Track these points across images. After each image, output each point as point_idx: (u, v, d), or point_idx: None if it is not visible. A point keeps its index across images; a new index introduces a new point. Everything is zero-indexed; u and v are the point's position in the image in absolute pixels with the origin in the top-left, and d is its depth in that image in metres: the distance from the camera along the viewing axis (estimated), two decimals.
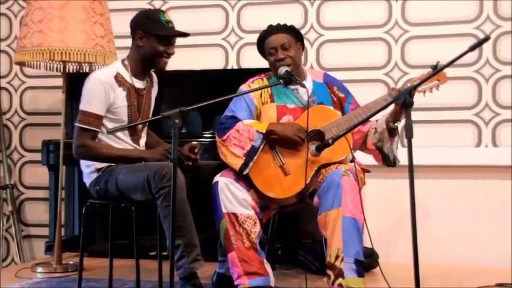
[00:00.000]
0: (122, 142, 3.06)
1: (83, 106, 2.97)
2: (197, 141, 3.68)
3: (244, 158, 2.90)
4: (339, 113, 3.06)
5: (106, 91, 2.96)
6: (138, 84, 3.12)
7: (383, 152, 3.00)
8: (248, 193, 2.90)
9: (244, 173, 2.90)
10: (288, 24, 3.10)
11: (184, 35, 3.10)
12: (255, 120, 3.06)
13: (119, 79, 3.03)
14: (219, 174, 2.94)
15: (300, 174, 2.85)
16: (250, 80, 3.17)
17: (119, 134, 3.04)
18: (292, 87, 3.07)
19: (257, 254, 2.90)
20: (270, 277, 2.91)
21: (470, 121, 4.11)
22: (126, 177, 2.91)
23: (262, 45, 3.12)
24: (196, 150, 2.98)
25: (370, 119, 2.70)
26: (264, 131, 2.91)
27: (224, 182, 2.89)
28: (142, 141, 3.19)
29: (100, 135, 3.01)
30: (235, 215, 2.87)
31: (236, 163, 2.92)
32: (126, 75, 3.07)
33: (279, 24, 3.10)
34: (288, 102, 3.05)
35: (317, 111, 3.00)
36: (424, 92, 2.86)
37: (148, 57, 3.06)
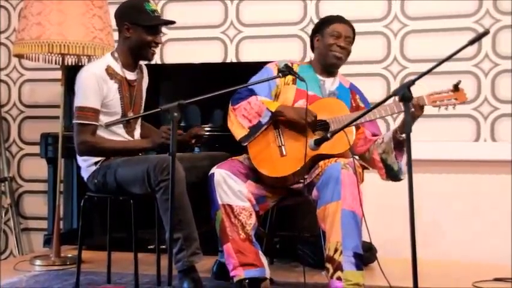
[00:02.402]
0: (117, 135, 3.05)
1: (79, 102, 2.95)
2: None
3: (249, 130, 2.95)
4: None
5: (99, 84, 2.95)
6: (130, 75, 3.11)
7: (386, 164, 2.99)
8: (244, 185, 2.91)
9: (244, 144, 2.97)
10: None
11: (170, 22, 3.16)
12: (272, 98, 3.09)
13: (110, 72, 3.02)
14: (216, 166, 2.95)
15: (296, 158, 2.87)
16: (278, 60, 3.18)
17: (113, 127, 3.03)
18: (320, 77, 3.11)
19: (252, 245, 2.91)
20: (265, 269, 2.92)
21: (469, 115, 4.11)
22: (125, 170, 2.91)
23: (323, 25, 3.15)
24: (202, 133, 3.02)
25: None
26: (273, 110, 2.94)
27: (220, 174, 2.90)
28: (137, 132, 3.18)
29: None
30: (230, 206, 2.88)
31: (239, 133, 2.98)
32: (117, 68, 3.05)
33: (349, 21, 3.16)
34: (309, 89, 3.05)
35: (329, 102, 3.03)
36: (439, 107, 2.85)
37: (137, 48, 3.05)
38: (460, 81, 2.73)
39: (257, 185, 2.95)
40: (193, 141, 3.00)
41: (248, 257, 2.89)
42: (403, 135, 2.89)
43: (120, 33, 3.08)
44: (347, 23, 3.14)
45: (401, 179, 3.04)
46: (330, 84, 3.14)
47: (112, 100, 3.01)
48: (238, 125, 2.99)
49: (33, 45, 3.64)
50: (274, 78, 2.97)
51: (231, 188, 2.89)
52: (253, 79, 3.10)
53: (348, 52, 3.11)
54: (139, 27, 3.01)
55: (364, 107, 3.16)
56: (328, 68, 3.13)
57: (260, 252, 2.94)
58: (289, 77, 3.06)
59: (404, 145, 2.94)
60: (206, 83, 4.07)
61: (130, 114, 3.09)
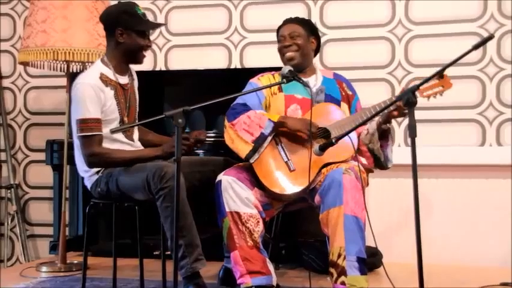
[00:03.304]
0: (117, 140, 3.04)
1: (80, 114, 2.93)
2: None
3: (253, 144, 2.91)
4: (345, 110, 3.07)
5: (97, 93, 2.94)
6: (122, 80, 3.11)
7: (374, 154, 3.02)
8: (251, 192, 2.90)
9: (251, 160, 2.91)
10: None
11: (161, 25, 3.31)
12: (262, 109, 3.09)
13: (104, 79, 3.01)
14: (222, 173, 2.94)
15: (305, 171, 2.86)
16: (260, 74, 3.22)
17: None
18: (302, 79, 3.09)
19: (260, 253, 2.90)
20: (272, 276, 2.91)
21: (474, 120, 4.10)
22: (126, 178, 2.91)
23: (277, 35, 3.22)
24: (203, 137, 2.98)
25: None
26: (275, 121, 2.93)
27: (227, 181, 2.89)
28: (135, 136, 3.17)
29: None
30: (238, 213, 2.87)
31: (243, 149, 2.93)
32: (110, 74, 3.05)
33: (294, 17, 3.22)
34: (296, 93, 3.06)
35: (322, 109, 3.01)
36: (429, 97, 2.86)
37: (130, 53, 3.06)
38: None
39: (263, 193, 2.94)
40: (197, 145, 2.98)
41: (255, 264, 2.88)
42: (387, 124, 2.92)
43: (111, 39, 3.07)
44: (290, 21, 3.17)
45: (388, 168, 3.06)
46: (314, 82, 3.13)
47: (110, 107, 3.00)
48: (239, 140, 2.96)
49: (38, 52, 3.66)
50: (279, 83, 2.97)
51: (238, 195, 2.88)
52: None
53: (298, 46, 3.10)
54: (133, 32, 3.01)
55: (352, 94, 3.18)
56: (296, 69, 3.06)
57: (267, 259, 2.94)
58: (275, 87, 3.09)
59: (388, 135, 2.98)
60: (211, 89, 4.08)
61: (126, 119, 3.09)
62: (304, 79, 3.08)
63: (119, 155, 2.97)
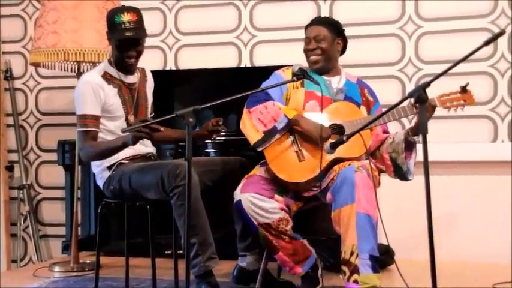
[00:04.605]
0: None
1: (78, 111, 3.00)
2: (211, 139, 3.68)
3: (263, 134, 2.93)
4: (364, 111, 3.07)
5: (94, 91, 2.97)
6: (128, 79, 3.12)
7: (396, 164, 3.01)
8: (272, 200, 2.89)
9: (258, 149, 2.94)
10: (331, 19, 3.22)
11: (138, 35, 3.00)
12: (283, 101, 3.10)
13: (107, 77, 3.04)
14: (239, 189, 2.91)
15: (314, 163, 2.87)
16: (286, 67, 3.21)
17: (120, 130, 2.97)
18: (325, 77, 3.10)
19: (296, 241, 2.95)
20: (313, 254, 3.00)
21: (486, 116, 4.08)
22: (139, 176, 2.92)
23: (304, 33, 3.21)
24: (220, 123, 3.03)
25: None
26: (290, 117, 2.94)
27: (247, 199, 2.86)
28: None
29: (100, 135, 3.02)
30: (268, 224, 2.87)
31: (253, 137, 2.96)
32: (114, 72, 3.08)
33: (322, 17, 3.23)
34: (317, 90, 3.07)
35: (343, 106, 3.02)
36: (449, 109, 2.85)
37: (117, 58, 3.06)
38: (468, 84, 2.72)
39: (282, 198, 2.94)
40: (214, 136, 3.04)
41: (299, 254, 2.95)
42: (415, 137, 2.91)
43: None
44: (317, 23, 3.13)
45: (409, 179, 3.05)
46: (336, 82, 3.12)
47: (113, 104, 3.03)
48: (251, 127, 2.97)
49: (49, 53, 3.68)
50: (289, 82, 2.97)
51: (263, 208, 2.86)
52: (264, 85, 3.11)
53: (322, 50, 3.07)
54: (111, 41, 3.04)
55: (373, 101, 3.16)
56: (320, 71, 3.09)
57: (305, 241, 2.99)
58: (298, 81, 3.07)
59: (415, 146, 2.95)
60: (221, 87, 4.08)
61: (131, 117, 3.10)
62: (328, 78, 3.10)
63: (96, 147, 2.97)
